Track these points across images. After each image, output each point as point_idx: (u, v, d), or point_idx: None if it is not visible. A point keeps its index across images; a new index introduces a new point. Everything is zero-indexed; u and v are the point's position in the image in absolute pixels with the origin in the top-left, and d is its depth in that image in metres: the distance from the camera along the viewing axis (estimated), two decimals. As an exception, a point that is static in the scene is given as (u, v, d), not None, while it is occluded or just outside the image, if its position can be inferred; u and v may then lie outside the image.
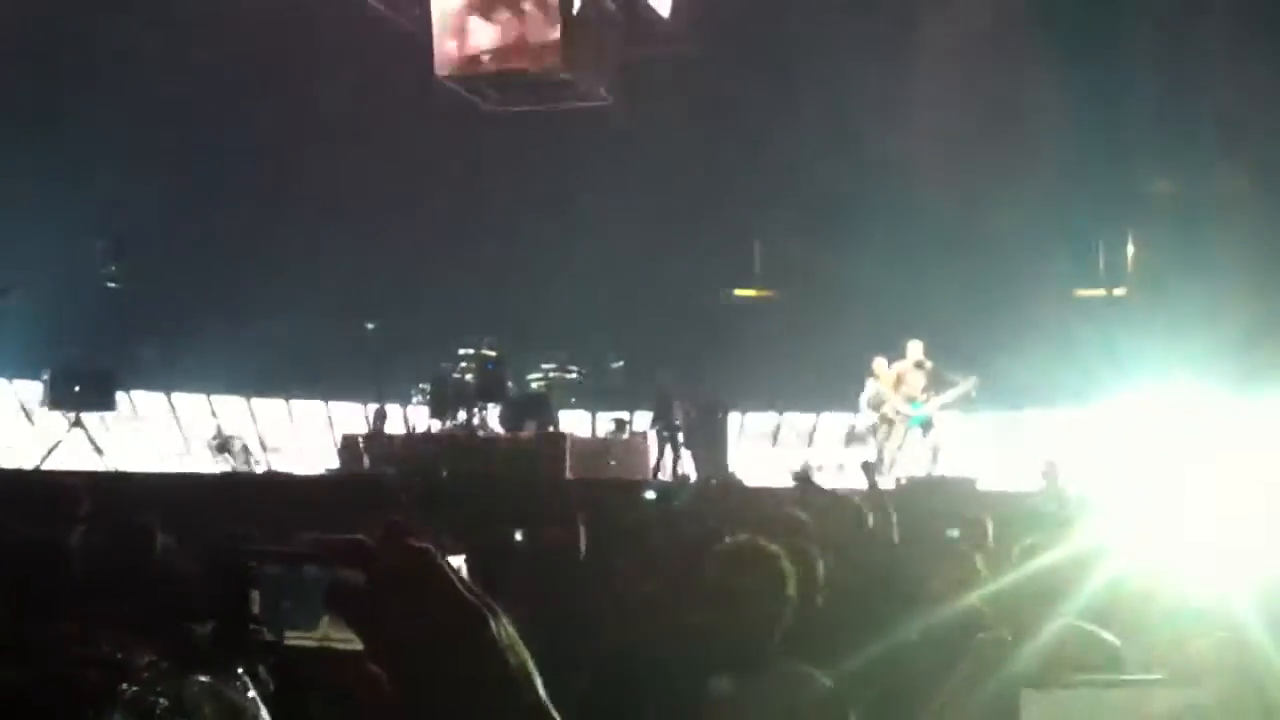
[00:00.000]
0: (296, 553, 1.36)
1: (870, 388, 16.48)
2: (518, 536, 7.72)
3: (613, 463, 16.34)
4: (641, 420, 17.92)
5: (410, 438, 16.50)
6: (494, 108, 18.08)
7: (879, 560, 6.34)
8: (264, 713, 1.60)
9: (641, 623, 4.55)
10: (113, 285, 13.61)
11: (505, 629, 1.24)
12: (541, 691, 1.24)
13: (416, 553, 1.25)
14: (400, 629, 1.22)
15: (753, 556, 3.86)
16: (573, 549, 6.00)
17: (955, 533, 6.83)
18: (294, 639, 1.36)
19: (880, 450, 16.40)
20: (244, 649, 1.49)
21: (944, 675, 4.12)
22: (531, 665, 1.24)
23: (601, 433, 18.51)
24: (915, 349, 16.32)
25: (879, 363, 16.39)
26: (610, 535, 6.46)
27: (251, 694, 1.60)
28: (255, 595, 1.39)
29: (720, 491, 13.72)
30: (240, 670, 1.59)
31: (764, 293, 20.36)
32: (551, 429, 16.15)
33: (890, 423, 16.40)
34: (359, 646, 1.23)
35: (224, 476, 15.63)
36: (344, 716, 1.21)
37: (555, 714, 1.24)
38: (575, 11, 16.99)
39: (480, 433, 15.98)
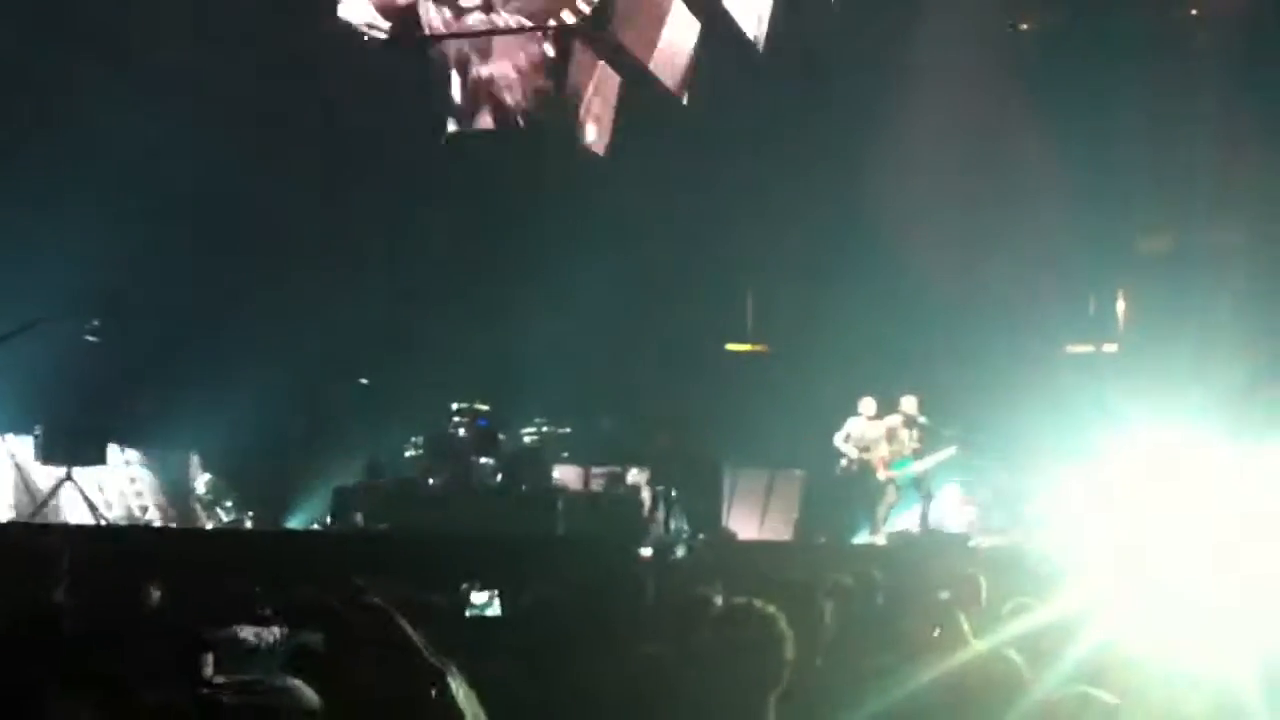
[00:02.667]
0: (254, 615, 1.37)
1: (856, 427, 16.42)
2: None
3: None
4: (635, 476, 17.87)
5: (403, 490, 16.46)
6: (490, 161, 18.21)
7: (869, 620, 6.34)
8: None
9: (639, 684, 4.54)
10: (93, 339, 13.62)
11: (463, 688, 1.25)
12: None
13: (376, 613, 1.26)
14: (360, 689, 1.23)
15: (751, 617, 3.86)
16: (566, 606, 5.98)
17: (946, 594, 6.82)
18: (247, 700, 1.36)
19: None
20: (194, 711, 1.49)
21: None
22: None
23: (595, 488, 18.46)
24: (909, 404, 16.35)
25: (866, 403, 16.38)
26: (605, 593, 6.44)
27: None
28: (209, 658, 1.39)
29: (715, 548, 13.71)
30: None
31: (757, 347, 20.39)
32: (544, 484, 16.12)
33: (872, 469, 16.38)
34: (315, 707, 1.24)
35: (215, 532, 15.60)
36: None
37: None
38: (571, 67, 17.16)
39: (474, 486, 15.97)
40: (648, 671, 4.70)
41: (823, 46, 18.55)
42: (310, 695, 1.30)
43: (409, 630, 1.18)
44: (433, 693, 1.14)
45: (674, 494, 16.54)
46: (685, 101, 17.67)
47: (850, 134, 17.89)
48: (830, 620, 6.13)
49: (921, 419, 16.33)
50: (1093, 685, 3.63)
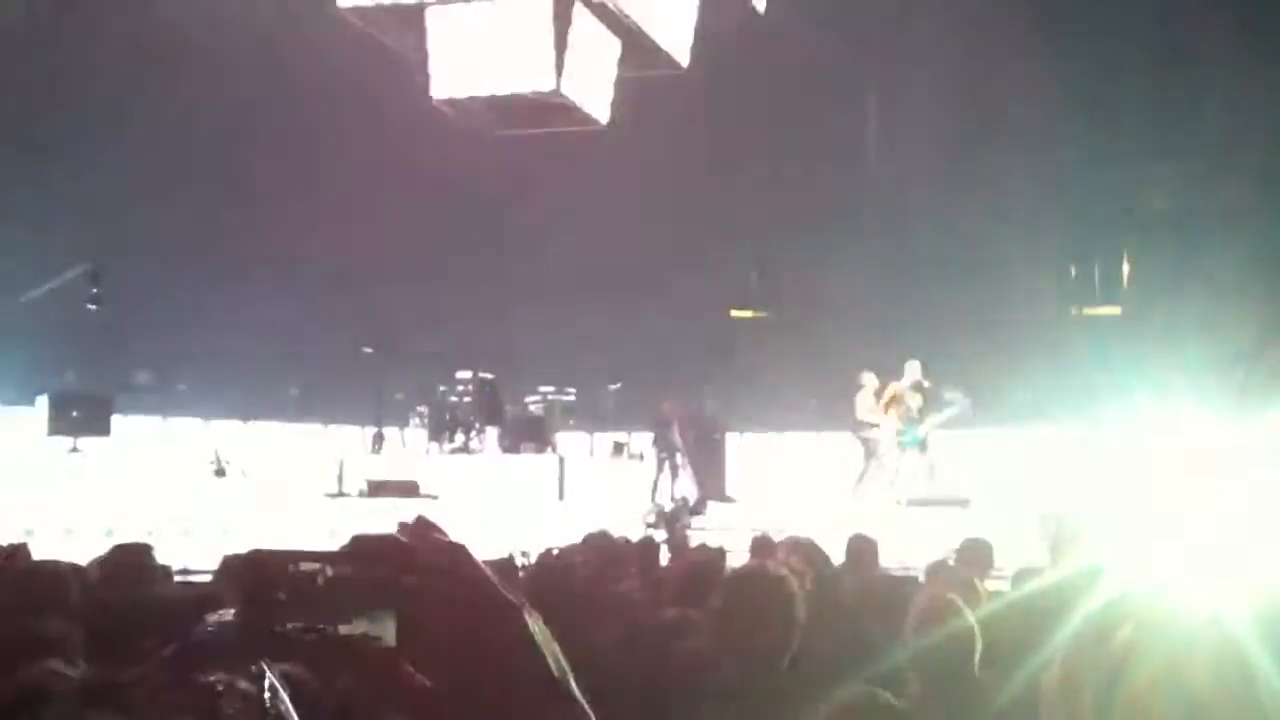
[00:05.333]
0: (328, 552, 1.36)
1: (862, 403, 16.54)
2: (519, 560, 7.72)
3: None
4: (640, 441, 17.90)
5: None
6: (490, 131, 18.09)
7: (873, 584, 6.35)
8: (287, 707, 1.59)
9: (649, 648, 4.55)
10: (93, 307, 13.62)
11: (540, 625, 1.24)
12: (576, 688, 1.24)
13: (453, 549, 1.25)
14: (439, 623, 1.21)
15: (762, 580, 3.86)
16: (579, 571, 6.00)
17: (951, 557, 6.84)
18: (322, 636, 1.35)
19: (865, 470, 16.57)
20: (268, 646, 1.48)
21: (938, 697, 4.12)
22: (565, 662, 1.24)
23: (601, 454, 18.48)
24: (913, 369, 16.36)
25: (867, 377, 16.45)
26: (614, 559, 6.46)
27: (271, 689, 1.60)
28: (281, 596, 1.37)
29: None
30: (261, 667, 1.58)
31: (762, 313, 20.36)
32: (549, 450, 16.15)
33: (874, 441, 16.49)
34: (390, 644, 1.23)
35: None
36: (376, 712, 1.21)
37: (590, 711, 1.24)
38: (571, 34, 17.02)
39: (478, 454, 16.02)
40: (658, 636, 4.71)
41: (825, 11, 18.41)
42: (388, 632, 1.30)
43: (483, 565, 1.18)
44: (512, 629, 1.14)
45: (679, 459, 16.57)
46: (685, 66, 17.54)
47: (854, 99, 17.80)
48: (841, 585, 6.15)
49: (926, 383, 16.34)
50: (1099, 645, 3.63)
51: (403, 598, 1.22)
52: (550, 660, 1.23)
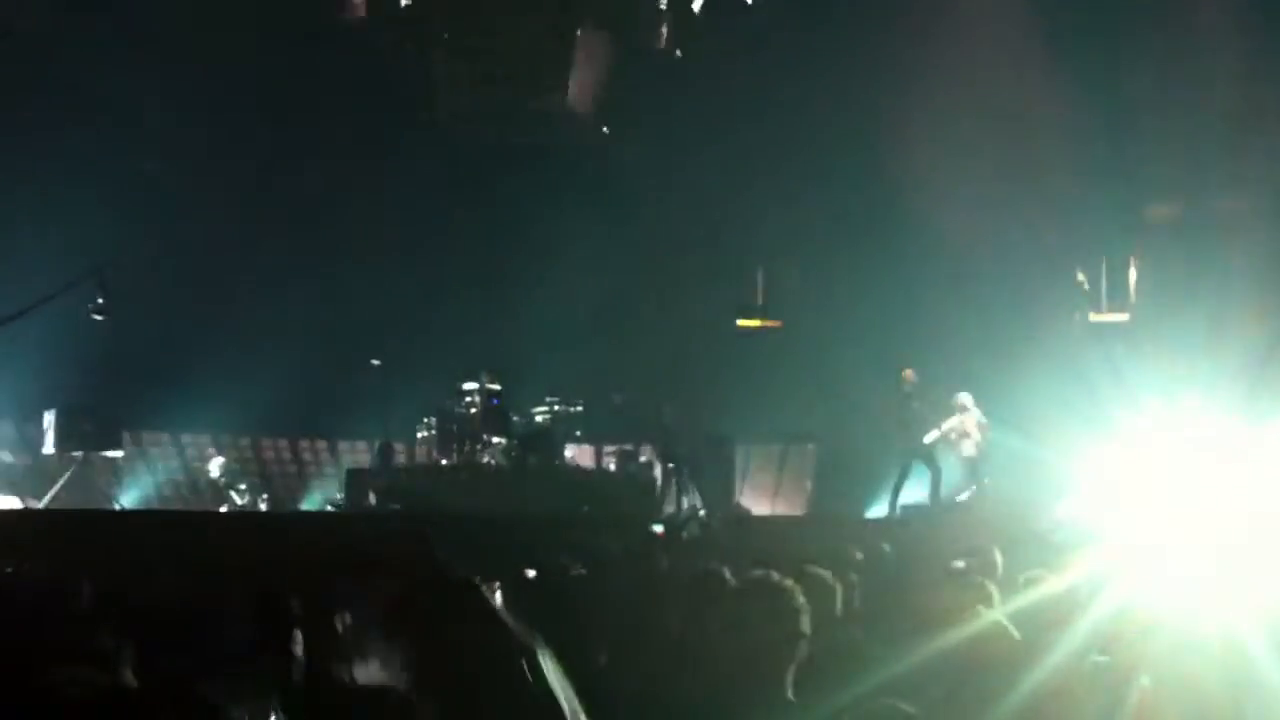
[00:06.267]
0: (340, 573, 1.37)
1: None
2: (530, 573, 7.71)
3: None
4: (647, 453, 17.88)
5: (413, 470, 16.52)
6: (497, 139, 18.15)
7: (890, 590, 6.34)
8: None
9: (655, 658, 4.54)
10: (98, 318, 13.58)
11: (551, 661, 1.26)
12: None
13: (464, 588, 1.27)
14: (450, 661, 1.23)
15: (767, 591, 3.85)
16: (581, 583, 5.99)
17: (961, 564, 6.82)
18: (336, 676, 1.36)
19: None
20: (285, 684, 1.49)
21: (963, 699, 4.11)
22: (576, 699, 1.26)
23: (607, 466, 18.46)
24: (909, 378, 16.42)
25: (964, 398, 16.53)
26: (618, 570, 6.45)
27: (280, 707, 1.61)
28: (298, 635, 1.38)
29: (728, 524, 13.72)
30: (278, 705, 1.59)
31: (768, 323, 20.36)
32: (556, 462, 16.15)
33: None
34: (403, 684, 1.24)
35: (228, 515, 15.66)
36: None
37: None
38: (573, 45, 17.09)
39: (489, 462, 16.01)
40: (663, 647, 4.70)
41: (831, 16, 18.45)
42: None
43: (495, 604, 1.19)
44: (523, 668, 1.14)
45: (685, 471, 16.55)
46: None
47: (860, 104, 17.78)
48: (849, 593, 6.14)
49: (926, 392, 16.38)
50: (1104, 655, 3.63)
51: (421, 636, 1.23)
52: (562, 701, 1.24)
